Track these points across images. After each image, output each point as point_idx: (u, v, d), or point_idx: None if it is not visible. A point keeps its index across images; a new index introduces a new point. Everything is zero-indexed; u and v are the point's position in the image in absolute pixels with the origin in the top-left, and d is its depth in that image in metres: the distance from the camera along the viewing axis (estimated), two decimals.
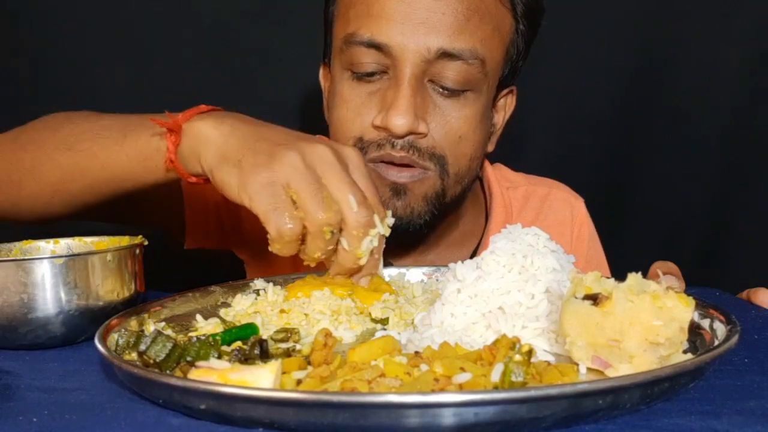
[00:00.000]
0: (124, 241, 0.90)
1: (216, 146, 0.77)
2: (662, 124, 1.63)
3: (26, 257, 0.88)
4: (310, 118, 1.55)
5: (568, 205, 1.28)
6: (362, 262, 0.77)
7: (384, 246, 0.81)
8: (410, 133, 0.97)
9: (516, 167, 1.34)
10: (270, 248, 0.74)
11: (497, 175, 1.26)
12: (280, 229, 0.71)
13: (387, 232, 0.79)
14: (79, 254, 0.77)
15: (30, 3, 1.53)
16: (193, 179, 0.82)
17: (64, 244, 0.94)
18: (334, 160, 0.75)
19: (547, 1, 1.09)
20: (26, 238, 0.92)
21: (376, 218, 0.76)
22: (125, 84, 1.53)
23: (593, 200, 1.33)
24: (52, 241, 0.93)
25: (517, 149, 1.56)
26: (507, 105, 1.14)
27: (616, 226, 1.63)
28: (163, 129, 0.81)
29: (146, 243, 0.87)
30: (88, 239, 0.94)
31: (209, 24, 1.54)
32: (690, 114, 1.61)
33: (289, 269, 1.18)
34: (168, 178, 0.85)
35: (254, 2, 1.55)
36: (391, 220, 0.80)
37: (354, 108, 1.00)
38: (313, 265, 0.78)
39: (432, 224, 1.05)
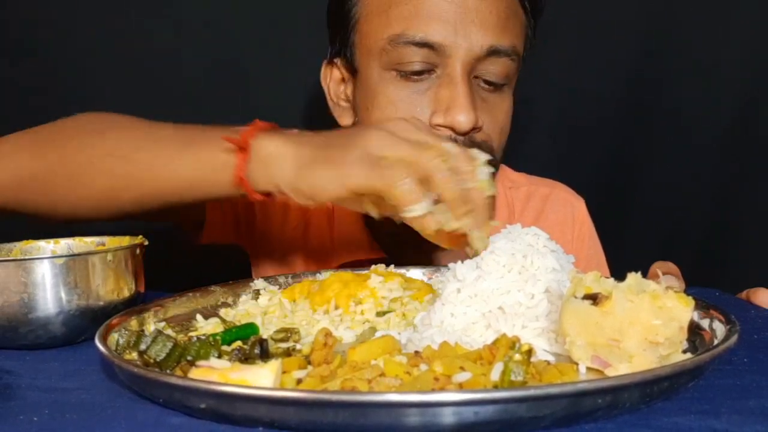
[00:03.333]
0: (125, 241, 0.90)
1: (291, 159, 0.76)
2: (663, 124, 1.63)
3: (26, 257, 0.88)
4: (310, 118, 1.55)
5: (569, 205, 1.29)
6: (489, 191, 0.73)
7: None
8: (473, 128, 0.99)
9: (517, 167, 1.34)
10: (427, 234, 0.72)
11: (499, 175, 1.26)
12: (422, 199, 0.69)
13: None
14: (79, 254, 0.77)
15: (29, 2, 1.54)
16: (258, 197, 0.80)
17: (65, 244, 0.94)
18: (410, 126, 0.75)
19: (549, 1, 1.09)
20: (26, 238, 0.92)
21: (474, 151, 0.74)
22: (125, 84, 1.53)
23: (593, 200, 1.33)
24: (52, 241, 0.94)
25: (518, 149, 1.56)
26: None
27: (616, 226, 1.63)
28: (231, 145, 0.79)
29: (146, 243, 0.87)
30: (89, 239, 0.94)
31: (209, 24, 1.54)
32: (690, 114, 1.61)
33: (292, 266, 1.19)
34: (230, 193, 0.82)
35: (254, 2, 1.55)
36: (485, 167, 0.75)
37: (404, 108, 1.01)
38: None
39: None
